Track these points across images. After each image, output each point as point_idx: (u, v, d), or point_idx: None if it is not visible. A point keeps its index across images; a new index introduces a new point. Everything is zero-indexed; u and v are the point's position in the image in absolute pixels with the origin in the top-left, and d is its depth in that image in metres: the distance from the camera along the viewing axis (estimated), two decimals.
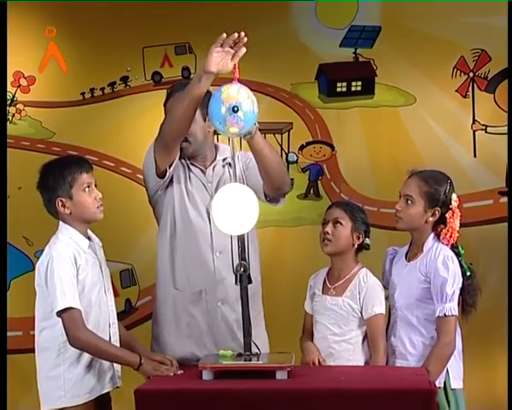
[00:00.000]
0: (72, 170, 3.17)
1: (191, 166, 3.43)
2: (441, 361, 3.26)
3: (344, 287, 3.38)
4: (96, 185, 3.23)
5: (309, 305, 3.50)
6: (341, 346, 3.34)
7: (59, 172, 3.17)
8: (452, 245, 3.37)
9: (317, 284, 3.48)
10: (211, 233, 3.35)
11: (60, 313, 3.06)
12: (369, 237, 3.44)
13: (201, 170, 3.43)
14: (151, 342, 3.47)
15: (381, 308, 3.34)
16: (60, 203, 3.17)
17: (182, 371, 3.13)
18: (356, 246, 3.42)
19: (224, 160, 3.44)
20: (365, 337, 3.36)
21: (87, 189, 3.18)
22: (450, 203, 3.37)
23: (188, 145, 3.38)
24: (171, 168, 3.33)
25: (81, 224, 3.21)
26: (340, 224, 3.40)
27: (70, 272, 3.09)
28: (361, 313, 3.34)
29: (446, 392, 3.31)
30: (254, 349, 3.10)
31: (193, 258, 3.37)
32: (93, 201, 3.20)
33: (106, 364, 3.19)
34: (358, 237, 3.41)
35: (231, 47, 3.03)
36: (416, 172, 3.42)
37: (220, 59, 3.03)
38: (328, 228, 3.41)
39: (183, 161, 3.41)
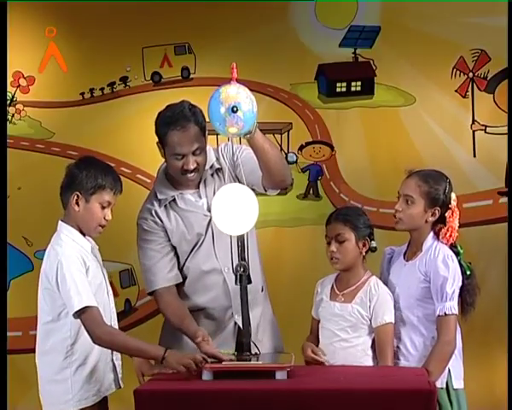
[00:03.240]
0: (105, 180, 3.16)
1: (179, 201, 3.38)
2: (442, 360, 3.25)
3: (353, 294, 3.36)
4: (112, 209, 3.21)
5: (316, 311, 3.48)
6: (348, 352, 3.32)
7: (95, 173, 3.15)
8: (451, 244, 3.37)
9: (324, 290, 3.45)
10: (215, 252, 3.35)
11: (78, 315, 3.03)
12: (374, 239, 3.40)
13: (192, 194, 3.38)
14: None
15: (390, 317, 3.31)
16: (75, 198, 3.15)
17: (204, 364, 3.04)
18: (364, 253, 3.40)
19: (211, 167, 3.39)
20: (372, 345, 3.34)
21: (104, 206, 3.17)
22: (450, 203, 3.37)
23: (197, 176, 3.34)
24: None
25: (77, 227, 3.20)
26: (344, 239, 3.35)
27: (80, 272, 3.08)
28: (370, 321, 3.33)
29: (449, 392, 3.30)
30: (254, 349, 3.10)
31: (204, 282, 3.38)
32: (100, 218, 3.18)
33: (109, 365, 3.19)
34: (364, 244, 3.38)
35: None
36: (414, 172, 3.41)
37: None
38: (333, 247, 3.36)
39: (166, 205, 3.38)
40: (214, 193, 3.31)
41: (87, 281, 3.09)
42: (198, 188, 3.38)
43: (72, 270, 3.07)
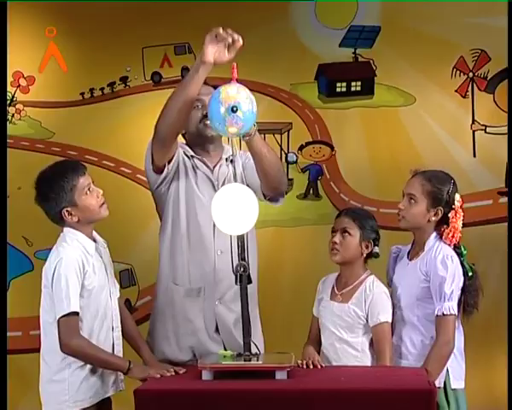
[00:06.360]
0: (68, 178, 3.13)
1: (198, 163, 3.40)
2: (440, 360, 3.26)
3: (350, 294, 3.37)
4: (93, 183, 3.20)
5: (317, 309, 3.49)
6: (348, 352, 3.33)
7: (57, 184, 3.13)
8: (455, 245, 3.37)
9: (325, 289, 3.47)
10: (214, 231, 3.33)
11: (59, 318, 3.05)
12: (378, 245, 3.41)
13: (208, 167, 3.40)
14: (146, 338, 3.44)
15: (386, 316, 3.32)
16: (66, 213, 3.14)
17: (172, 373, 3.11)
18: (364, 255, 3.41)
19: (226, 159, 3.43)
20: (371, 344, 3.35)
21: (88, 191, 3.16)
22: (453, 203, 3.37)
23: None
24: (171, 164, 3.31)
25: (88, 226, 3.20)
26: (349, 234, 3.37)
27: (76, 277, 3.08)
28: (366, 321, 3.33)
29: (446, 392, 3.31)
30: (254, 349, 3.10)
31: (194, 255, 3.35)
32: (96, 201, 3.17)
33: None
34: (367, 246, 3.39)
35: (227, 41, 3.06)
36: (419, 172, 3.43)
37: (216, 49, 3.07)
38: (337, 238, 3.39)
39: (189, 156, 3.38)
40: (224, 181, 3.36)
41: (79, 288, 3.08)
42: (212, 170, 3.40)
43: (69, 272, 3.07)
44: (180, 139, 3.39)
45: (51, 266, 3.11)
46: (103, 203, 3.20)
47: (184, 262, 3.36)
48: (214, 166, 3.41)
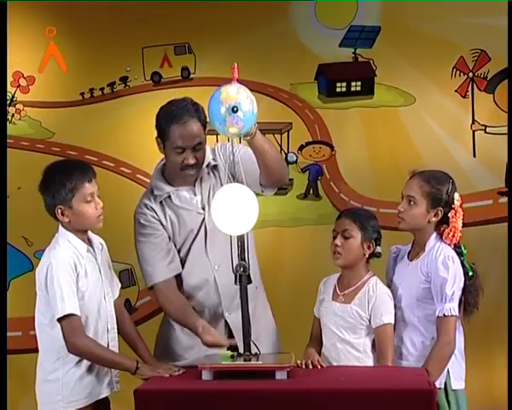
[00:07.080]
0: (73, 178, 3.10)
1: (175, 195, 3.37)
2: (441, 361, 3.25)
3: (353, 294, 3.36)
4: (98, 194, 3.17)
5: (318, 310, 3.49)
6: (350, 353, 3.32)
7: (59, 179, 3.10)
8: (455, 245, 3.37)
9: (327, 290, 3.46)
10: (206, 251, 3.35)
11: (59, 320, 3.04)
12: (380, 245, 3.40)
13: (187, 191, 3.38)
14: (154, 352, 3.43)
15: (389, 318, 3.31)
16: (59, 211, 3.12)
17: (180, 372, 3.12)
18: (367, 255, 3.40)
19: (207, 166, 3.39)
20: (373, 345, 3.34)
21: (88, 200, 3.13)
22: (453, 203, 3.37)
23: (195, 172, 3.34)
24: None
25: (79, 231, 3.19)
26: (350, 235, 3.36)
27: (69, 278, 3.07)
28: (369, 322, 3.32)
29: (447, 392, 3.31)
30: (254, 349, 3.10)
31: (194, 280, 3.37)
32: (94, 211, 3.14)
33: (104, 368, 3.17)
34: (369, 247, 3.37)
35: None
36: (417, 173, 3.42)
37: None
38: (338, 241, 3.37)
39: (163, 200, 3.37)
40: (209, 191, 3.35)
41: (74, 287, 3.08)
42: (194, 185, 3.39)
43: (61, 275, 3.05)
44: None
45: (43, 268, 3.10)
46: (100, 215, 3.17)
47: (185, 286, 3.38)
48: (195, 181, 3.37)
